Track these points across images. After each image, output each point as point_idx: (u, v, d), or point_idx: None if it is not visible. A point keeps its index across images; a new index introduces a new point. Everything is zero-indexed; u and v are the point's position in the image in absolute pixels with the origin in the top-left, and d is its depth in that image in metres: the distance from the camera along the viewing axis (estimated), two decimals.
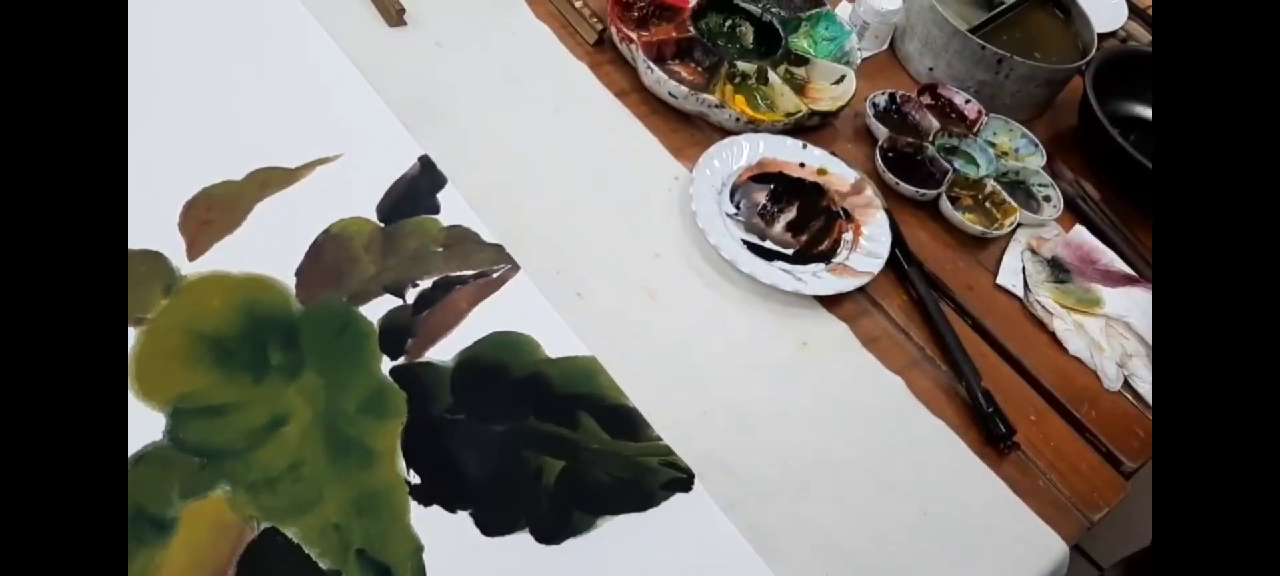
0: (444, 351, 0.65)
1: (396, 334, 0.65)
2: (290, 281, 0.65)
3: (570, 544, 0.59)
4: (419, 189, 0.72)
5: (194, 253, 0.64)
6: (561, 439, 0.62)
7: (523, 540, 0.58)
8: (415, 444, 0.60)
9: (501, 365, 0.65)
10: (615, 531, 0.60)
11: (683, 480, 0.62)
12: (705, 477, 0.63)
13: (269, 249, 0.66)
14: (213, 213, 0.67)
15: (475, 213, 0.72)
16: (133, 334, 0.60)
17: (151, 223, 0.65)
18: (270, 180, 0.70)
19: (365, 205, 0.71)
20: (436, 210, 0.72)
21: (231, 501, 0.55)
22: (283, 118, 0.75)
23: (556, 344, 0.67)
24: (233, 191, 0.69)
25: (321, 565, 0.54)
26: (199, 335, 0.61)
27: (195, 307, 0.62)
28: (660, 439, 0.64)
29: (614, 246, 0.74)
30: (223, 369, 0.60)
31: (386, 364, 0.63)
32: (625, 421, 0.64)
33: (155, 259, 0.64)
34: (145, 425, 0.57)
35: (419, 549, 0.56)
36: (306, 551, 0.55)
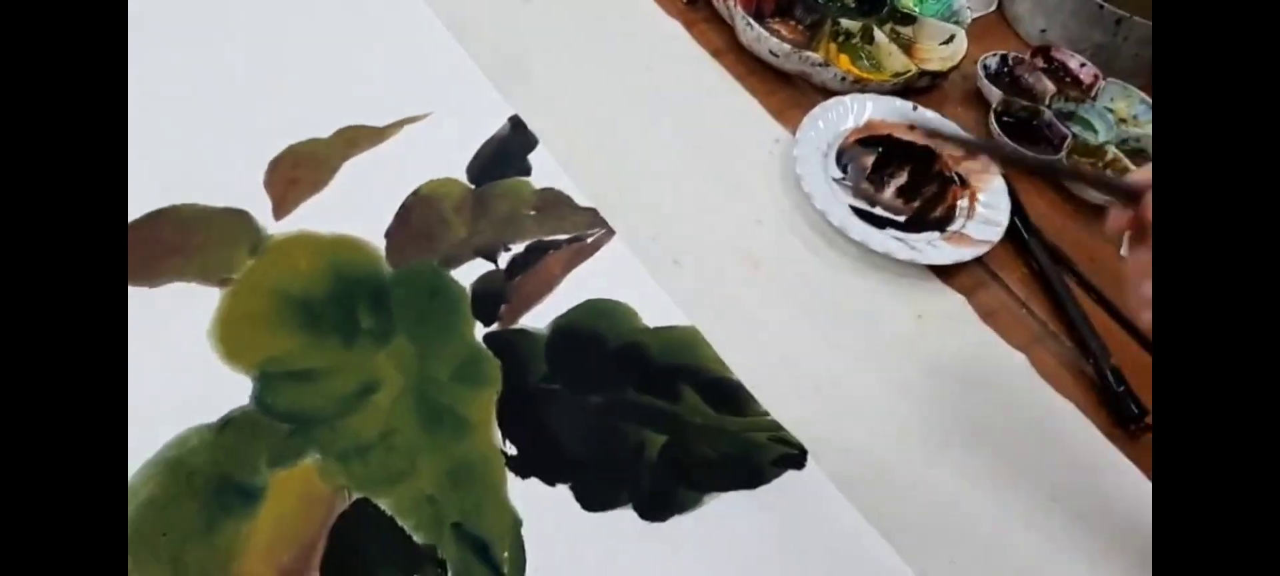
0: (538, 318, 0.61)
1: (489, 299, 0.61)
2: (380, 243, 0.62)
3: (676, 521, 0.55)
4: (510, 150, 0.69)
5: (280, 212, 0.62)
6: (663, 412, 0.59)
7: (625, 516, 0.54)
8: (511, 414, 0.57)
9: (597, 334, 0.62)
10: (723, 509, 0.56)
11: (795, 456, 0.58)
12: (817, 456, 0.58)
13: (357, 209, 0.63)
14: (299, 171, 0.64)
15: (567, 175, 0.69)
16: (217, 295, 0.58)
17: (237, 180, 0.63)
18: (358, 138, 0.67)
19: (455, 166, 0.67)
20: (528, 172, 0.68)
21: (321, 470, 0.53)
22: (370, 75, 0.72)
23: (654, 313, 0.63)
24: (320, 149, 0.66)
25: (416, 538, 0.51)
26: (286, 297, 0.58)
27: (282, 268, 0.60)
28: (768, 414, 0.60)
29: (712, 212, 0.70)
30: (311, 332, 0.57)
31: (479, 330, 0.60)
32: (730, 395, 0.60)
33: (241, 218, 0.61)
34: (231, 389, 0.54)
35: (517, 523, 0.53)
36: (400, 523, 0.52)
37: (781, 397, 0.61)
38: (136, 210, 0.60)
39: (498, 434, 0.56)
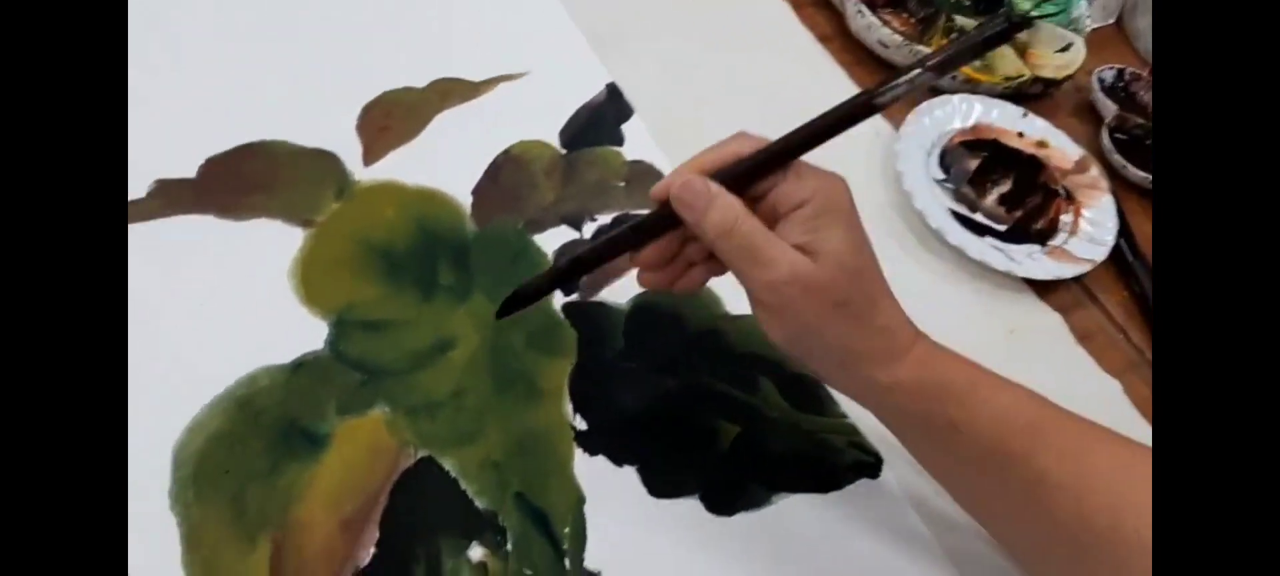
0: (619, 293, 0.60)
1: None
2: (466, 200, 0.61)
3: (743, 517, 0.53)
4: (604, 118, 0.68)
5: (370, 158, 0.61)
6: (738, 402, 0.57)
7: (691, 506, 0.53)
8: (584, 387, 0.55)
9: (678, 315, 0.60)
10: (792, 510, 0.54)
11: (870, 464, 0.56)
12: (892, 465, 0.56)
13: (446, 163, 0.62)
14: (392, 119, 0.63)
15: (660, 148, 0.67)
16: (300, 235, 0.57)
17: (328, 122, 0.62)
18: (452, 92, 0.66)
19: (548, 129, 0.66)
20: (620, 142, 0.67)
21: (390, 423, 0.52)
22: (469, 28, 0.71)
23: (737, 299, 0.61)
24: (413, 99, 0.65)
25: (478, 503, 0.50)
26: (369, 244, 0.58)
27: (367, 215, 0.59)
28: (846, 416, 0.58)
29: None
30: (391, 282, 0.57)
31: (558, 298, 0.59)
32: (809, 392, 0.58)
33: (330, 160, 0.60)
34: (307, 332, 0.54)
35: (581, 500, 0.52)
36: (463, 486, 0.51)
37: None
38: (226, 142, 0.59)
39: (569, 406, 0.55)
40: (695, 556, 0.51)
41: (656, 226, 0.47)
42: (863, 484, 0.56)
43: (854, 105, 0.44)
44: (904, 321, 0.47)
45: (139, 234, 0.55)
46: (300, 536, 0.47)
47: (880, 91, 0.44)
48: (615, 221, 0.62)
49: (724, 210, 0.44)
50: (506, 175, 0.63)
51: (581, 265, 0.51)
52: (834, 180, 0.46)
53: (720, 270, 0.47)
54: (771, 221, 0.45)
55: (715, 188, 0.44)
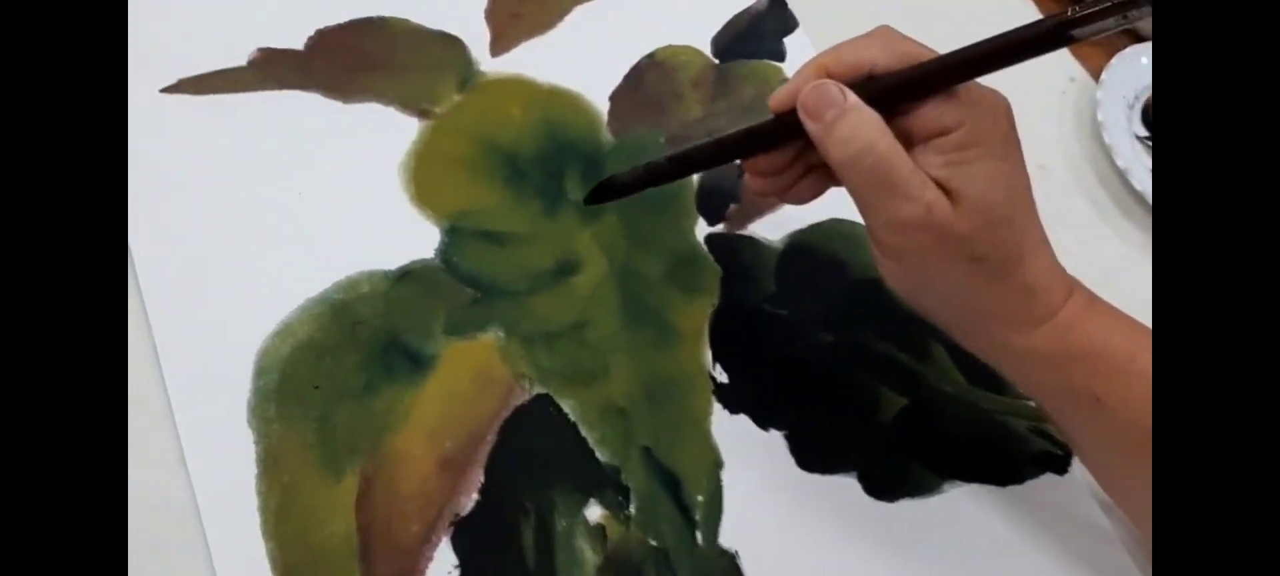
0: (772, 227, 0.51)
1: (717, 195, 0.52)
2: (603, 105, 0.53)
3: (906, 504, 0.45)
4: (764, 28, 0.59)
5: (498, 48, 0.53)
6: (906, 369, 0.48)
7: (846, 485, 0.45)
8: (726, 333, 0.47)
9: (838, 259, 0.51)
10: (964, 502, 0.45)
11: (1057, 457, 0.47)
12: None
13: (583, 62, 0.54)
14: (525, 6, 0.55)
15: None
16: (416, 126, 0.50)
17: (455, 3, 0.54)
18: None
19: (700, 34, 0.57)
20: (781, 57, 0.58)
21: (503, 350, 0.44)
22: None
23: None
24: None
25: (599, 454, 0.43)
26: (491, 145, 0.50)
27: (491, 111, 0.51)
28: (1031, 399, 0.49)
29: None
30: (513, 190, 0.49)
31: (702, 228, 0.51)
32: (988, 365, 0.49)
33: (453, 45, 0.53)
34: (416, 237, 0.47)
35: (718, 464, 0.44)
36: (583, 433, 0.43)
37: None
38: (341, 13, 0.52)
39: (708, 354, 0.47)
40: (849, 544, 0.43)
41: (775, 135, 0.40)
42: (1048, 480, 0.47)
43: (1041, 30, 0.34)
44: (1056, 280, 0.39)
45: (232, 105, 0.48)
46: (394, 471, 0.41)
47: (1081, 18, 0.33)
48: None
49: (857, 126, 0.36)
50: (650, 82, 0.55)
51: (685, 164, 0.44)
52: (992, 102, 0.37)
53: (837, 181, 0.39)
54: (907, 144, 0.37)
55: (851, 97, 0.36)
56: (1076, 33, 0.33)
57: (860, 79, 0.37)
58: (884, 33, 0.38)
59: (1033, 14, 0.66)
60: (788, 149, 0.40)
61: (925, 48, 0.38)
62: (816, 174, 0.40)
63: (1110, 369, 0.38)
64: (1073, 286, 0.40)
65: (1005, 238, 0.37)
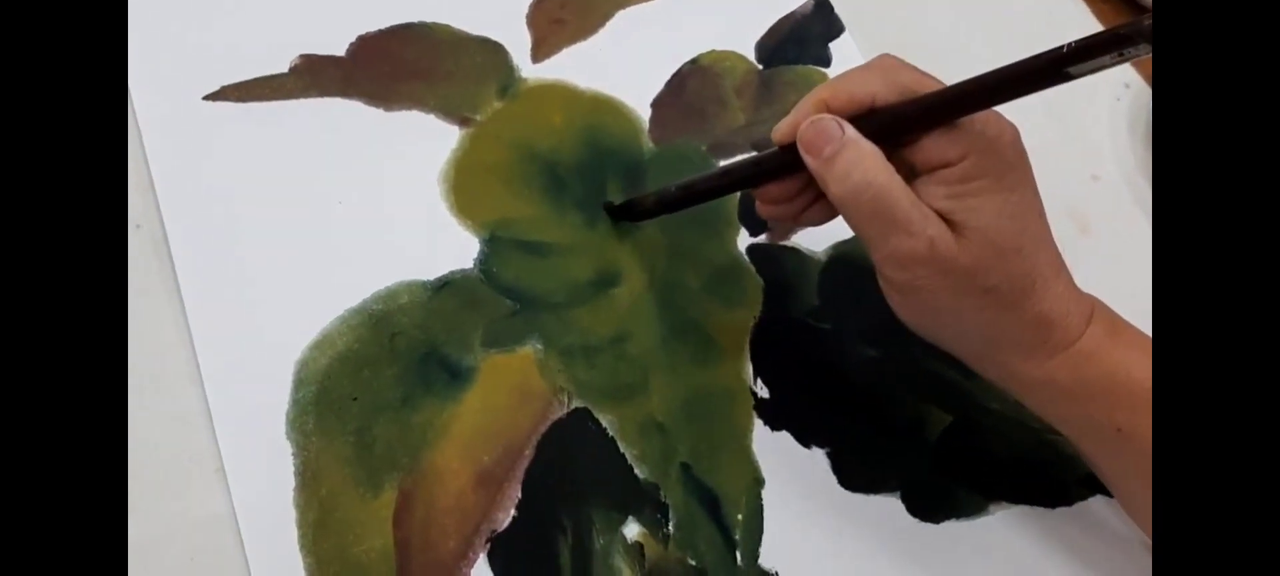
0: (816, 238, 0.50)
1: None
2: (644, 112, 0.52)
3: (951, 526, 0.44)
4: (809, 32, 0.58)
5: (539, 54, 0.53)
6: (953, 386, 0.47)
7: (890, 506, 0.44)
8: (767, 347, 0.47)
9: None
10: (1010, 525, 0.44)
11: None
12: None
13: (624, 68, 0.53)
14: (567, 11, 0.55)
15: None
16: (456, 134, 0.49)
17: (496, 7, 0.53)
18: None
19: (743, 40, 0.56)
20: (826, 62, 0.57)
21: (541, 364, 0.44)
22: None
23: None
24: None
25: (637, 471, 0.42)
26: (532, 153, 0.50)
27: (532, 119, 0.51)
28: None
29: (1037, 157, 0.56)
30: (553, 200, 0.49)
31: (743, 238, 0.50)
32: None
33: (495, 51, 0.52)
34: (456, 247, 0.46)
35: (759, 482, 0.43)
36: (621, 449, 0.43)
37: None
38: (382, 19, 0.52)
39: (749, 369, 0.46)
40: (892, 567, 0.43)
41: (778, 168, 0.40)
42: (1098, 502, 0.46)
43: (1037, 66, 0.33)
44: (1073, 307, 0.38)
45: (274, 113, 0.48)
46: (432, 486, 0.40)
47: (1074, 54, 0.32)
48: None
49: (855, 161, 0.36)
50: (692, 88, 0.54)
51: (692, 194, 0.45)
52: (996, 131, 0.36)
53: None
54: (909, 176, 0.36)
55: (850, 131, 0.36)
56: (1072, 70, 0.32)
57: (861, 111, 0.37)
58: (885, 62, 0.38)
59: (1084, 17, 0.64)
60: (796, 178, 0.40)
61: (928, 76, 0.37)
62: (826, 200, 0.40)
63: (1131, 400, 0.37)
64: (1093, 312, 0.39)
65: (1015, 268, 0.36)
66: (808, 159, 0.37)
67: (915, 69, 0.37)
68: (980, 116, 0.36)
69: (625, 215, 0.48)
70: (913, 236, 0.35)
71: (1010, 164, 0.36)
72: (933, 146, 0.36)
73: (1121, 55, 0.31)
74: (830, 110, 0.37)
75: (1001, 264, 0.36)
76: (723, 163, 0.51)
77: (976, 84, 0.34)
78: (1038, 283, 0.37)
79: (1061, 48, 0.32)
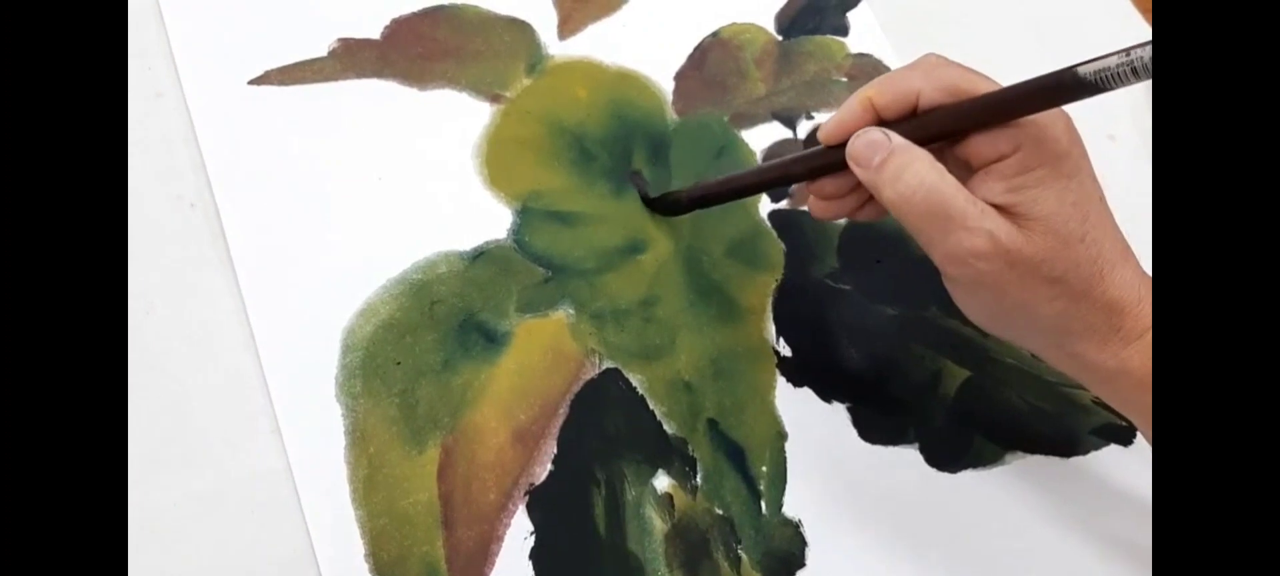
0: None
1: None
2: (667, 85, 0.54)
3: (969, 476, 0.46)
4: (828, 3, 0.59)
5: (566, 30, 0.55)
6: (969, 342, 0.49)
7: (908, 456, 0.46)
8: (789, 308, 0.49)
9: (901, 234, 0.51)
10: (1026, 473, 0.46)
11: (1121, 428, 0.48)
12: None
13: (648, 42, 0.55)
14: None
15: (890, 43, 0.58)
16: (488, 111, 0.52)
17: None
18: None
19: (763, 11, 0.58)
20: (845, 32, 0.58)
21: (573, 327, 0.46)
22: None
23: None
24: None
25: (666, 427, 0.45)
26: (560, 127, 0.52)
27: (559, 94, 0.53)
28: None
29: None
30: (581, 172, 0.51)
31: (765, 204, 0.52)
32: None
33: (522, 30, 0.54)
34: (490, 219, 0.49)
35: (782, 436, 0.45)
36: (651, 406, 0.45)
37: None
38: (415, 2, 0.54)
39: (772, 328, 0.48)
40: (911, 514, 0.45)
41: (825, 168, 0.41)
42: (1112, 451, 0.47)
43: (1060, 79, 0.34)
44: (1143, 292, 0.37)
45: (315, 95, 0.50)
46: (472, 443, 0.43)
47: (1088, 68, 0.33)
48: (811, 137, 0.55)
49: (906, 164, 0.36)
50: (714, 61, 0.56)
51: (739, 190, 0.47)
52: (1049, 118, 0.36)
53: None
54: (964, 174, 0.36)
55: (897, 140, 0.37)
56: (1082, 71, 0.33)
57: (906, 111, 0.37)
58: (930, 62, 0.38)
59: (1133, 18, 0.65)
60: (846, 175, 0.40)
61: (971, 72, 0.37)
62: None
63: None
64: None
65: (1080, 255, 0.36)
66: (858, 171, 0.38)
67: (960, 66, 0.38)
68: None
69: (663, 208, 0.50)
70: (971, 231, 0.35)
71: (1065, 150, 0.36)
72: (985, 140, 0.36)
73: (1128, 55, 0.32)
74: (875, 107, 0.38)
75: (1067, 252, 0.36)
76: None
77: (1027, 88, 0.35)
78: (1105, 268, 0.37)
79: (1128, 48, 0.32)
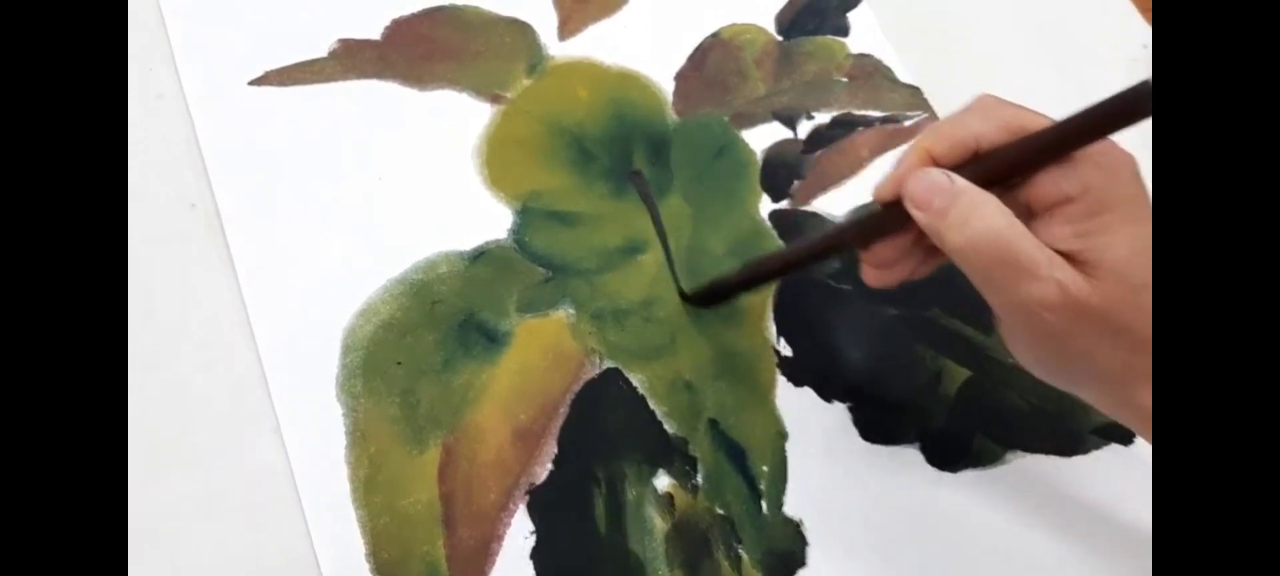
0: (835, 203, 0.52)
1: (782, 171, 0.53)
2: (667, 86, 0.54)
3: (970, 475, 0.46)
4: (828, 3, 0.59)
5: (566, 31, 0.55)
6: (970, 343, 0.49)
7: (909, 456, 0.46)
8: (790, 308, 0.49)
9: None
10: (1027, 472, 0.46)
11: (1121, 428, 0.47)
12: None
13: (648, 43, 0.55)
14: None
15: (891, 43, 0.58)
16: (488, 111, 0.52)
17: None
18: None
19: (763, 11, 0.58)
20: (845, 32, 0.58)
21: (573, 327, 0.46)
22: None
23: None
24: None
25: (666, 426, 0.45)
26: (560, 127, 0.52)
27: (560, 95, 0.53)
28: None
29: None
30: (581, 172, 0.51)
31: (765, 204, 0.52)
32: None
33: (523, 30, 0.54)
34: (490, 219, 0.49)
35: (782, 436, 0.45)
36: (652, 406, 0.45)
37: None
38: (415, 3, 0.54)
39: (772, 328, 0.48)
40: (912, 513, 0.45)
41: (883, 227, 0.38)
42: (1112, 451, 0.47)
43: (1137, 93, 0.31)
44: None
45: (316, 96, 0.50)
46: (473, 443, 0.43)
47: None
48: (834, 123, 0.55)
49: (971, 209, 0.34)
50: (714, 61, 0.56)
51: (791, 262, 0.46)
52: (1115, 158, 0.34)
53: None
54: (1025, 218, 0.34)
55: (960, 183, 0.34)
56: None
57: (966, 157, 0.35)
58: (985, 102, 0.36)
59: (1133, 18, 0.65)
60: (903, 236, 0.37)
61: (1029, 111, 0.35)
62: (931, 254, 0.38)
63: None
64: None
65: (1145, 303, 0.33)
66: (918, 215, 0.35)
67: (1016, 105, 0.35)
68: (1096, 146, 0.33)
69: (706, 300, 0.48)
70: (1041, 281, 0.33)
71: (1135, 192, 0.34)
72: (1049, 183, 0.34)
73: None
74: (933, 158, 0.35)
75: (1135, 299, 0.33)
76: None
77: (1090, 117, 0.33)
78: None
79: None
